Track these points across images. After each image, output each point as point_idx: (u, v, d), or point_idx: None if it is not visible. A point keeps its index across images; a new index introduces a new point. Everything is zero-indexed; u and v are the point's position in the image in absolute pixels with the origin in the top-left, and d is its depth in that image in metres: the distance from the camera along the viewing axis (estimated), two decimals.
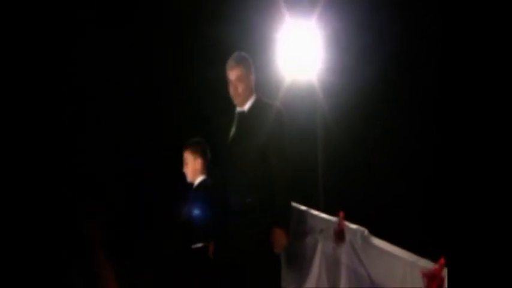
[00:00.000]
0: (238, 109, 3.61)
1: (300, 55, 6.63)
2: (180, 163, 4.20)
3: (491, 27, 2.08)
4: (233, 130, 3.59)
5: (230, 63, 3.59)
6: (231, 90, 3.58)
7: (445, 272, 2.45)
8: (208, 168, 4.14)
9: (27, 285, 2.15)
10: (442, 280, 2.47)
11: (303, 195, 4.24)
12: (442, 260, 2.47)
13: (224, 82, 3.71)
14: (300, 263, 4.30)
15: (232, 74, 3.56)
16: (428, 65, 7.72)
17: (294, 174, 3.43)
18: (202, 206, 3.95)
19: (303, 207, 4.43)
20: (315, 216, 4.23)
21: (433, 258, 2.87)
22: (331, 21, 6.89)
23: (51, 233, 2.19)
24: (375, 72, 8.58)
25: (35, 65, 2.16)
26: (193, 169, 4.13)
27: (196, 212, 3.98)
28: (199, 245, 3.94)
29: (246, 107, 3.58)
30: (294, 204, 4.05)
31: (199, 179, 4.12)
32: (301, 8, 6.49)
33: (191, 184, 4.17)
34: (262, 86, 3.79)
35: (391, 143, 8.77)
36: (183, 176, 4.22)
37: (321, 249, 4.06)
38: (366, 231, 3.58)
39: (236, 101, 3.59)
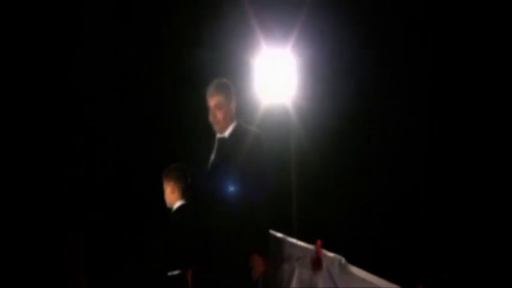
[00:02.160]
0: (218, 135, 3.58)
1: (276, 81, 6.75)
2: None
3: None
4: (212, 156, 3.56)
5: (210, 90, 3.57)
6: (211, 117, 3.55)
7: None
8: (187, 193, 4.12)
9: None
10: None
11: (276, 221, 4.23)
12: None
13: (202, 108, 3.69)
14: None
15: (212, 101, 3.53)
16: (401, 91, 7.89)
17: (273, 201, 3.43)
18: (178, 233, 3.90)
19: (280, 234, 4.42)
20: (292, 243, 4.22)
21: (410, 286, 2.90)
22: (305, 49, 7.04)
23: (46, 233, 2.11)
24: (347, 99, 8.72)
25: (34, 65, 2.13)
26: (168, 196, 4.12)
27: (172, 238, 3.93)
28: (176, 272, 3.88)
29: (227, 133, 3.55)
30: (271, 231, 4.04)
31: (176, 205, 4.10)
32: (277, 36, 6.61)
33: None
34: (238, 111, 3.78)
35: (365, 167, 8.86)
36: None
37: (297, 277, 4.05)
38: (343, 259, 3.59)
39: (216, 127, 3.56)
